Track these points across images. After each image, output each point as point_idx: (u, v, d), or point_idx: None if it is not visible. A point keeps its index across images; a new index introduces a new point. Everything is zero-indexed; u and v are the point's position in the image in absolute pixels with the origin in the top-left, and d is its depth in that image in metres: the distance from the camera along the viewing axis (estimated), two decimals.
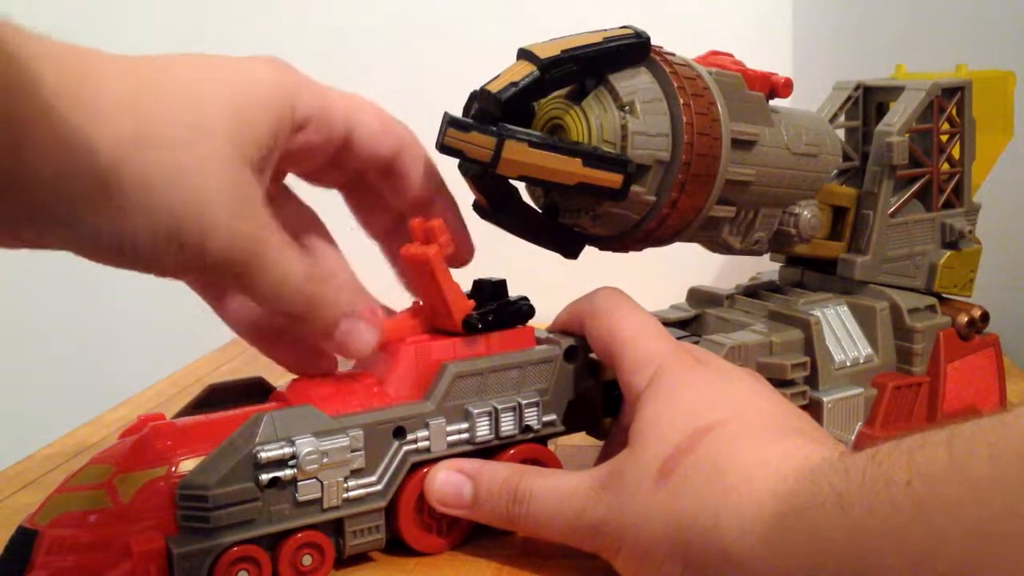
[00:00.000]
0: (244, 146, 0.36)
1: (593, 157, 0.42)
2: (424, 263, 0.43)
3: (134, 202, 0.33)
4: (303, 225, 0.46)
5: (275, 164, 0.40)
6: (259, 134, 0.37)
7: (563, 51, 0.42)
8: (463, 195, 0.47)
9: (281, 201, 0.45)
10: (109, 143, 0.33)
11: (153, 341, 0.94)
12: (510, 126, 0.41)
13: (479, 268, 0.47)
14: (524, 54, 0.42)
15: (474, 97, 0.43)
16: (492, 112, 0.41)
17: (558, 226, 0.46)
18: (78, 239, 0.34)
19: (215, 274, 0.37)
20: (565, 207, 0.46)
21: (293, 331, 0.42)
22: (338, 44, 0.90)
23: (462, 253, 0.47)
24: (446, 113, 0.42)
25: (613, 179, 0.42)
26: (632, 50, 0.44)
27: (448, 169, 0.46)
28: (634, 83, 0.43)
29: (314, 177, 0.46)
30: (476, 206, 0.46)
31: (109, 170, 0.33)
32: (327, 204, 0.48)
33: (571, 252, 0.47)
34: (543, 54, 0.42)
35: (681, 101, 0.43)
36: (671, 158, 0.44)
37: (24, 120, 0.31)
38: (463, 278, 0.47)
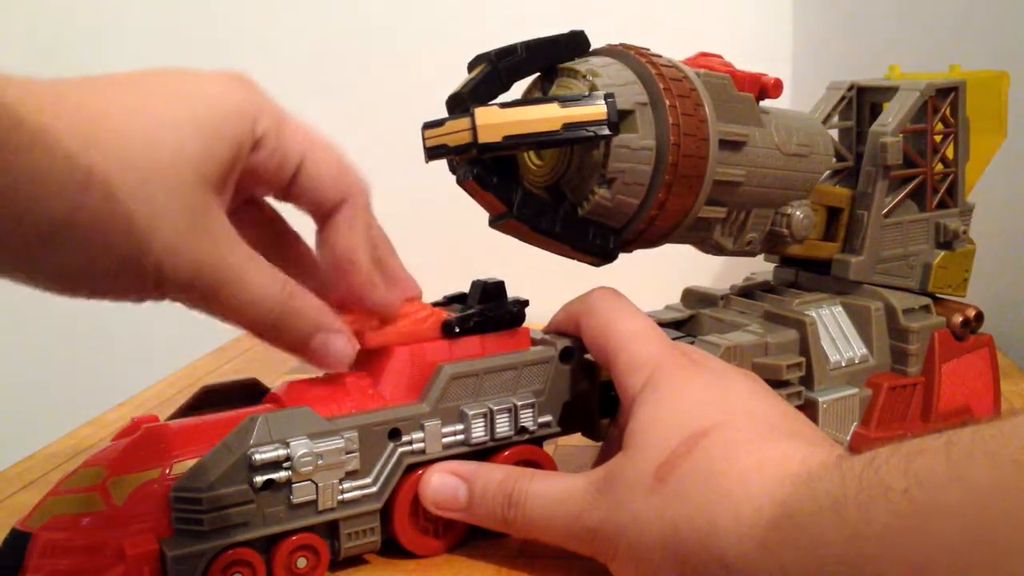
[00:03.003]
0: (205, 167, 0.36)
1: (566, 98, 0.42)
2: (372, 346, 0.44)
3: (92, 239, 0.33)
4: (274, 237, 0.45)
5: (236, 180, 0.39)
6: (220, 152, 0.37)
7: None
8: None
9: (249, 216, 0.43)
10: (66, 184, 0.32)
11: (153, 341, 0.94)
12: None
13: (478, 268, 0.46)
14: (477, 58, 0.44)
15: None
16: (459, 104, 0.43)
17: (582, 221, 0.45)
18: (43, 276, 0.35)
19: (180, 297, 0.37)
20: (568, 182, 0.45)
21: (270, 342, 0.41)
22: (335, 48, 0.90)
23: (411, 290, 0.45)
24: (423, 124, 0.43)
25: (597, 111, 0.42)
26: (572, 40, 0.45)
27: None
28: (590, 61, 0.44)
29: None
30: (492, 220, 0.45)
31: (65, 212, 0.32)
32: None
33: (603, 249, 0.46)
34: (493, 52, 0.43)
35: (667, 103, 0.44)
36: (657, 160, 0.44)
37: None
38: (464, 279, 0.47)
